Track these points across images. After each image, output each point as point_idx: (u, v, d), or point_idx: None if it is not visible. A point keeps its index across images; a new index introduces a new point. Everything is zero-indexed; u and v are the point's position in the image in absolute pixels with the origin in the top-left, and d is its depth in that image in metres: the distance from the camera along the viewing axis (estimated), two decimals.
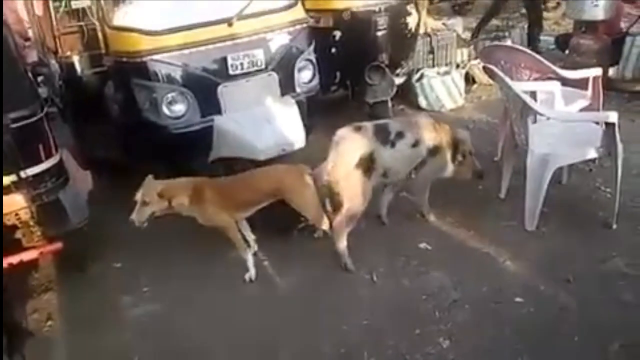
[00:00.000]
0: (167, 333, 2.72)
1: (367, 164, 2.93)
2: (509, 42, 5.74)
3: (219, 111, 3.45)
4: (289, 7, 3.69)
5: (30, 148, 2.71)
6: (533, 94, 3.27)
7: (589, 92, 3.67)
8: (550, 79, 3.72)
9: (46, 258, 3.05)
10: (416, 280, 2.91)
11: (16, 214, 2.72)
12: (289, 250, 3.23)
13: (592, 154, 3.13)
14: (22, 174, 2.65)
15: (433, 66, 5.51)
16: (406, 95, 5.44)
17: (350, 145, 2.94)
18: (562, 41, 5.89)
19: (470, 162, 3.24)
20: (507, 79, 3.21)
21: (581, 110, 3.62)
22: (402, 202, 3.51)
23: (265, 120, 3.45)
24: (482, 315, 2.61)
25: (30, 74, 3.16)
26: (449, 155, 3.15)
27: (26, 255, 2.70)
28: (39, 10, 4.31)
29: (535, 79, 3.78)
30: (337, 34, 4.64)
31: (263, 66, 3.54)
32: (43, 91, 4.39)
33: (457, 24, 6.09)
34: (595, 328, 2.44)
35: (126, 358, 2.56)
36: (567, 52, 5.48)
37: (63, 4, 4.00)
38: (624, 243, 2.99)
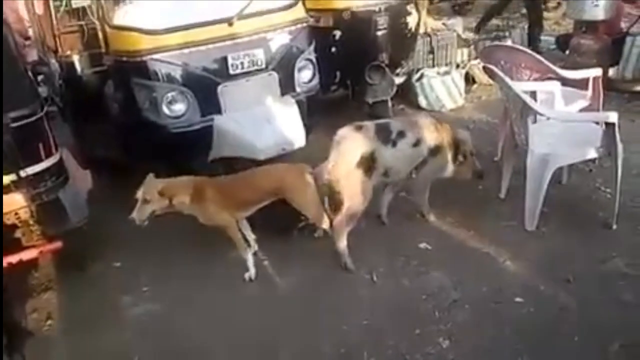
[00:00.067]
0: (167, 333, 2.72)
1: (368, 163, 2.93)
2: (509, 42, 5.74)
3: (219, 111, 3.45)
4: (289, 6, 3.69)
5: (30, 147, 2.70)
6: (533, 94, 3.27)
7: (589, 92, 3.67)
8: (550, 79, 3.72)
9: (46, 257, 3.05)
10: (416, 280, 2.91)
11: (16, 213, 2.71)
12: (289, 249, 3.23)
13: (592, 154, 3.13)
14: (22, 173, 2.65)
15: (433, 66, 5.51)
16: (406, 95, 5.44)
17: (351, 144, 2.94)
18: (563, 41, 5.89)
19: (470, 162, 3.24)
20: (507, 79, 3.21)
21: (581, 110, 3.62)
22: (402, 202, 3.50)
23: (265, 119, 3.46)
24: (482, 315, 2.61)
25: (30, 73, 3.15)
26: (449, 155, 3.15)
27: (26, 255, 2.70)
28: (39, 9, 4.31)
29: (535, 79, 3.78)
30: (337, 33, 4.64)
31: (263, 66, 3.54)
32: (43, 90, 4.38)
33: (457, 24, 6.08)
34: (595, 328, 2.44)
35: (126, 358, 2.56)
36: (567, 52, 5.48)
37: (63, 3, 4.00)
38: (624, 243, 2.99)
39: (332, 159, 2.95)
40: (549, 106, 3.42)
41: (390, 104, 5.02)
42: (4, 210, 2.66)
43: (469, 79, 5.80)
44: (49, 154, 2.80)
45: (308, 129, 3.62)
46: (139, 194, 2.81)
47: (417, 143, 3.03)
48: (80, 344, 2.68)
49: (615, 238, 3.05)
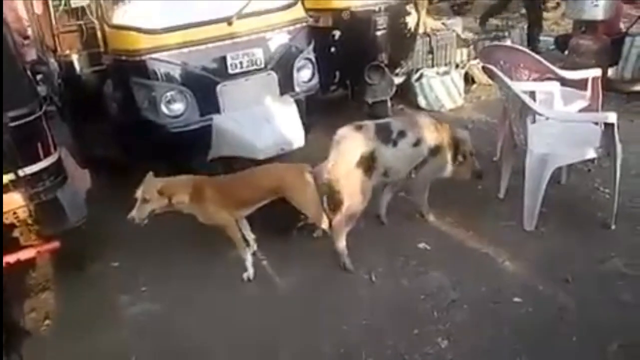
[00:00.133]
0: (166, 333, 2.71)
1: (368, 163, 2.93)
2: (508, 42, 5.74)
3: (218, 110, 3.44)
4: (289, 6, 3.69)
5: (28, 146, 2.70)
6: (532, 94, 3.27)
7: (588, 92, 3.67)
8: (549, 79, 3.72)
9: (44, 257, 3.04)
10: (415, 280, 2.90)
11: (14, 213, 2.71)
12: (288, 249, 3.23)
13: (591, 154, 3.13)
14: (21, 173, 2.64)
15: (432, 66, 5.51)
16: (405, 95, 5.44)
17: (352, 143, 2.94)
18: (562, 41, 5.89)
19: (470, 162, 3.24)
20: (507, 79, 3.21)
21: (580, 110, 3.62)
22: (402, 202, 3.50)
23: (265, 119, 3.45)
24: (480, 315, 2.61)
25: (29, 73, 3.16)
26: (449, 155, 3.15)
27: (24, 254, 2.70)
28: (38, 8, 4.30)
29: (535, 79, 3.78)
30: (337, 33, 4.64)
31: (262, 65, 3.54)
32: (42, 90, 4.40)
33: (457, 24, 6.09)
34: (594, 328, 2.44)
35: (124, 358, 2.56)
36: (566, 52, 5.48)
37: (62, 2, 3.99)
38: (623, 243, 2.99)
39: (332, 158, 2.95)
40: (548, 106, 3.43)
41: (389, 104, 5.03)
42: (3, 210, 2.65)
43: (468, 79, 5.81)
44: (47, 154, 2.79)
45: (307, 128, 3.62)
46: (138, 193, 2.80)
47: (417, 143, 3.03)
48: (78, 344, 2.67)
49: (614, 238, 3.05)
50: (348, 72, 4.92)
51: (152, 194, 2.80)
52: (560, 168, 3.40)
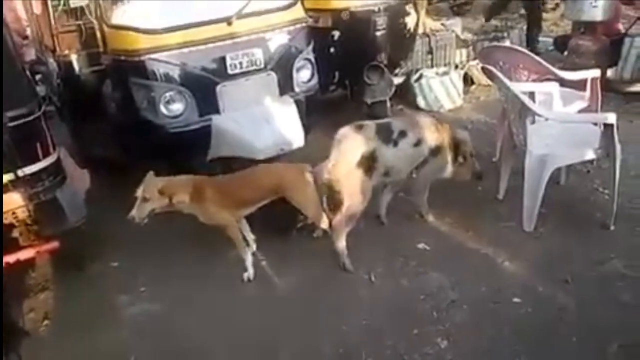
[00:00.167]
0: (165, 333, 2.71)
1: (369, 163, 2.93)
2: (507, 43, 5.75)
3: (217, 110, 3.44)
4: (288, 6, 3.69)
5: (27, 146, 2.69)
6: (531, 95, 3.27)
7: (588, 93, 3.67)
8: (548, 80, 3.72)
9: (43, 257, 3.04)
10: (415, 280, 2.91)
11: (13, 213, 2.70)
12: (288, 250, 3.23)
13: (590, 155, 3.14)
14: (20, 173, 2.64)
15: (432, 66, 5.52)
16: (405, 95, 5.44)
17: (352, 143, 2.94)
18: (561, 42, 5.90)
19: (470, 163, 3.24)
20: (506, 80, 3.21)
21: (579, 111, 3.62)
22: (401, 203, 3.50)
23: (264, 119, 3.45)
24: (480, 315, 2.61)
25: (28, 73, 3.16)
26: (450, 156, 3.15)
27: (23, 254, 2.69)
28: (37, 8, 4.30)
29: (534, 80, 3.78)
30: (336, 33, 4.64)
31: (262, 65, 3.53)
32: (41, 90, 4.40)
33: (456, 25, 6.09)
34: (593, 328, 2.44)
35: (124, 358, 2.55)
36: (565, 53, 5.48)
37: (61, 2, 3.98)
38: (622, 244, 3.00)
39: (332, 158, 2.95)
40: (548, 107, 3.43)
41: (388, 104, 5.02)
42: (2, 210, 2.64)
43: (468, 80, 5.81)
44: (46, 154, 2.79)
45: (307, 129, 3.62)
46: (139, 192, 2.80)
47: (418, 143, 3.03)
48: (77, 344, 2.67)
49: (613, 239, 3.05)
50: (347, 73, 4.92)
51: (153, 193, 2.79)
52: (560, 169, 3.41)
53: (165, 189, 2.82)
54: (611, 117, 2.93)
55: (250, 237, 3.22)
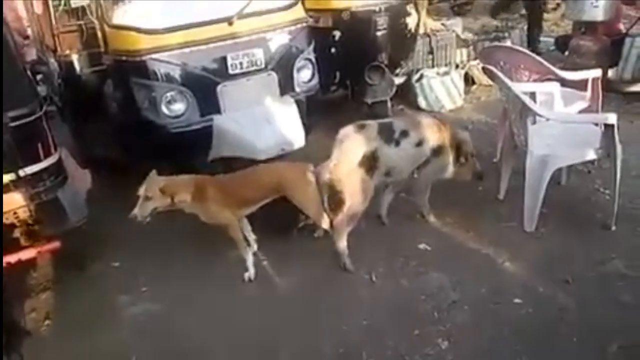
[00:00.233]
0: (166, 333, 2.71)
1: (370, 163, 2.93)
2: (508, 43, 5.75)
3: (218, 110, 3.45)
4: (289, 6, 3.69)
5: (29, 147, 2.70)
6: (532, 95, 3.27)
7: (588, 93, 3.67)
8: (549, 80, 3.72)
9: (44, 257, 3.04)
10: (415, 280, 2.91)
11: (15, 213, 2.71)
12: (289, 250, 3.23)
13: (591, 155, 3.13)
14: (21, 173, 2.64)
15: (432, 66, 5.52)
16: (405, 95, 5.44)
17: (354, 143, 2.94)
18: (562, 42, 5.89)
19: (471, 163, 3.24)
20: (507, 80, 3.21)
21: (580, 111, 3.62)
22: (402, 203, 3.50)
23: (265, 119, 3.45)
24: (481, 316, 2.61)
25: (29, 73, 3.15)
26: (451, 156, 3.15)
27: (24, 254, 2.70)
28: (38, 8, 4.30)
29: (535, 80, 3.77)
30: (337, 33, 4.64)
31: (263, 65, 3.54)
32: (42, 90, 4.39)
33: (457, 25, 6.10)
34: (594, 329, 2.44)
35: (124, 358, 2.56)
36: (566, 53, 5.48)
37: (62, 2, 3.99)
38: (623, 244, 2.99)
39: (334, 157, 2.95)
40: (548, 107, 3.43)
41: (389, 104, 5.03)
42: (3, 210, 2.65)
43: (469, 80, 5.81)
44: (48, 154, 2.79)
45: (307, 129, 3.62)
46: (141, 191, 2.80)
47: (419, 143, 3.03)
48: (78, 344, 2.67)
49: (614, 239, 3.05)
50: (348, 73, 4.93)
51: (155, 191, 2.80)
52: (561, 169, 3.40)
53: (167, 188, 2.82)
54: (612, 118, 2.92)
55: (251, 237, 3.23)
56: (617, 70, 4.97)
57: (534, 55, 3.95)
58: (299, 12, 3.75)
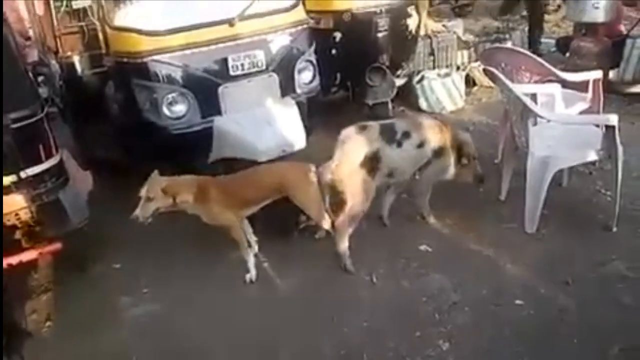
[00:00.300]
0: (167, 333, 2.71)
1: (372, 164, 2.93)
2: (509, 45, 5.74)
3: (219, 112, 3.45)
4: (290, 8, 3.69)
5: (30, 148, 2.70)
6: (533, 97, 3.28)
7: (589, 94, 3.67)
8: (550, 81, 3.72)
9: (46, 258, 3.04)
10: (416, 282, 2.91)
11: (16, 214, 2.71)
12: (290, 251, 3.23)
13: (592, 156, 3.13)
14: (22, 174, 2.65)
15: (433, 68, 5.53)
16: (406, 96, 5.45)
17: (356, 144, 2.95)
18: (563, 44, 5.89)
19: (473, 165, 3.24)
20: (508, 82, 3.21)
21: (581, 112, 3.62)
22: (404, 204, 3.50)
23: (266, 121, 3.46)
24: (482, 317, 2.61)
25: (30, 74, 3.16)
26: (452, 157, 3.15)
27: (26, 256, 2.70)
28: (39, 9, 4.31)
29: (536, 82, 3.78)
30: (338, 35, 4.64)
31: (264, 67, 3.54)
32: (43, 91, 4.40)
33: (458, 26, 6.10)
34: (594, 330, 2.44)
35: (125, 359, 2.56)
36: (567, 54, 5.48)
37: (64, 3, 4.01)
38: (624, 246, 2.99)
39: (336, 158, 2.95)
40: (549, 109, 3.43)
41: (390, 105, 5.03)
42: (4, 211, 2.65)
43: (470, 81, 5.81)
44: (49, 155, 2.79)
45: (308, 130, 3.62)
46: (143, 192, 2.80)
47: (421, 144, 3.03)
48: (79, 345, 2.67)
49: (615, 241, 3.05)
50: (349, 74, 4.93)
51: (156, 192, 2.80)
52: (562, 170, 3.40)
53: (169, 189, 2.82)
54: (613, 119, 2.93)
55: (253, 238, 3.23)
56: (618, 72, 4.98)
57: (534, 56, 3.95)
58: (300, 13, 3.76)
